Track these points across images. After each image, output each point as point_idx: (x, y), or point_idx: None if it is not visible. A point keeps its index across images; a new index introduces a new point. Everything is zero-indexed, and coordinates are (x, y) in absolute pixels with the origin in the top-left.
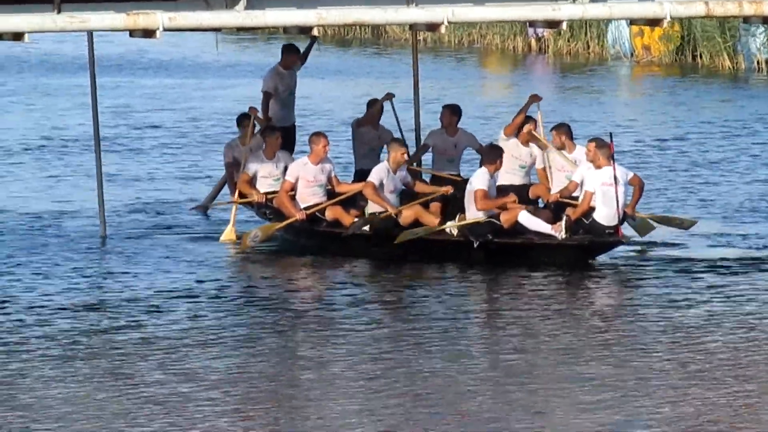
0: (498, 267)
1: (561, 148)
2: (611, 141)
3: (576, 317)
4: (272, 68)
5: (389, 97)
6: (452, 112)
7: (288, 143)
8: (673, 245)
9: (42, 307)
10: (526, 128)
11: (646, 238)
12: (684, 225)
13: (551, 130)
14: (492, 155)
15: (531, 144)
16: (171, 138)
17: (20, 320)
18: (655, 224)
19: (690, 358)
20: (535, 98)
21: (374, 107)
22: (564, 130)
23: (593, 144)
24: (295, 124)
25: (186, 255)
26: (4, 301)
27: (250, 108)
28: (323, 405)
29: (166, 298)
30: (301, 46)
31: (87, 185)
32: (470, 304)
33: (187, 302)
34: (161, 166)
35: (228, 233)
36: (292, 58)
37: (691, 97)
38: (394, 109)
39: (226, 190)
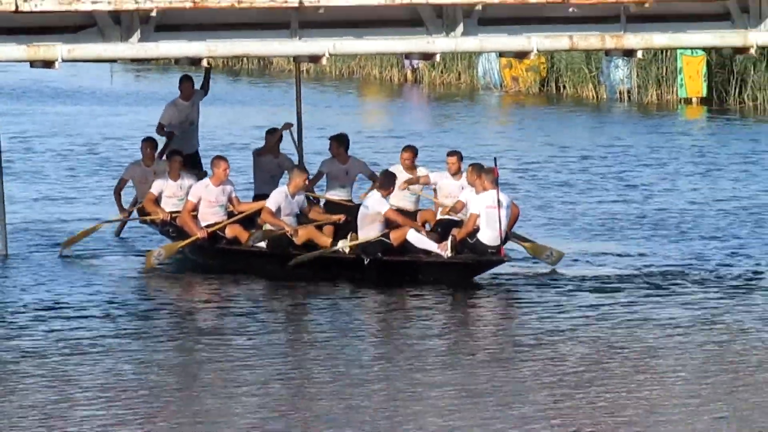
0: (388, 284)
1: (454, 173)
2: (495, 165)
3: (448, 330)
4: (171, 101)
5: (288, 126)
6: (338, 143)
7: (194, 168)
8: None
9: None
10: (406, 157)
11: (520, 256)
12: (553, 258)
13: (448, 155)
14: (387, 182)
15: (417, 171)
16: (68, 162)
17: None
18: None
19: (545, 369)
20: (287, 125)
21: (273, 136)
22: (457, 157)
23: (473, 169)
24: (198, 150)
25: (85, 271)
26: None
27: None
28: (205, 409)
29: (56, 309)
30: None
31: None
32: (352, 319)
33: (78, 313)
34: (59, 187)
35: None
36: (189, 89)
37: (554, 125)
38: (293, 138)
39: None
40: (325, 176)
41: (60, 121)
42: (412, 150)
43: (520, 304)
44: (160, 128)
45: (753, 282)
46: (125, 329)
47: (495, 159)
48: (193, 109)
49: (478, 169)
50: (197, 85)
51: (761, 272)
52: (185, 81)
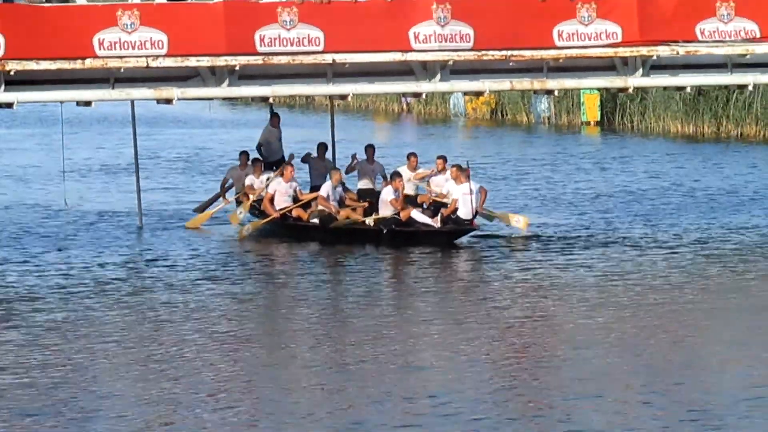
0: (398, 246)
1: (441, 170)
2: (468, 167)
3: (438, 276)
4: (265, 127)
5: (291, 157)
6: (372, 149)
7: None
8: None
9: None
10: (411, 162)
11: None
12: (520, 224)
13: (437, 158)
14: (394, 177)
15: (418, 170)
16: (184, 165)
17: None
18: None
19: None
20: (291, 157)
21: (321, 148)
22: (443, 159)
23: (456, 168)
24: (283, 156)
25: (198, 239)
26: None
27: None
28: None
29: (179, 266)
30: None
31: None
32: (373, 270)
33: (195, 269)
34: (178, 182)
35: (193, 221)
36: (277, 120)
37: (500, 140)
38: (333, 150)
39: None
40: (357, 172)
41: (176, 138)
42: (415, 156)
43: (485, 259)
44: (259, 147)
45: (622, 239)
46: (230, 273)
47: (467, 162)
48: (278, 131)
49: (457, 168)
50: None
51: (634, 235)
52: (274, 116)
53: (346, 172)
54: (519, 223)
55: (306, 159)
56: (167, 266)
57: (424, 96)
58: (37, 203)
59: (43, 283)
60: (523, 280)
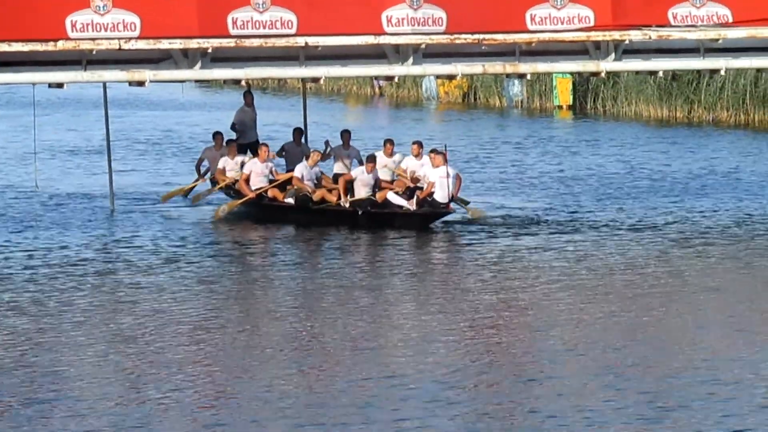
0: (373, 228)
1: (416, 155)
2: (446, 150)
3: (413, 259)
4: (239, 107)
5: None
6: (348, 134)
7: (253, 152)
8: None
9: None
10: (387, 148)
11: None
12: (475, 216)
13: (412, 143)
14: (369, 161)
15: (394, 156)
16: (157, 147)
17: None
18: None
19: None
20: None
21: (297, 133)
22: (418, 144)
23: (433, 152)
24: (258, 139)
25: (173, 220)
26: None
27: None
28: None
29: (156, 249)
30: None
31: None
32: (348, 253)
33: (172, 251)
34: (150, 164)
35: (169, 194)
36: (250, 99)
37: (473, 124)
38: (305, 134)
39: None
40: (333, 157)
41: (149, 121)
42: (392, 143)
43: (459, 243)
44: (233, 126)
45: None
46: (202, 254)
47: (445, 146)
48: (253, 112)
49: (434, 151)
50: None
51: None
52: (248, 94)
53: (321, 159)
54: (473, 212)
55: (281, 150)
56: (139, 248)
57: (396, 79)
58: (9, 185)
59: (11, 264)
60: (494, 263)
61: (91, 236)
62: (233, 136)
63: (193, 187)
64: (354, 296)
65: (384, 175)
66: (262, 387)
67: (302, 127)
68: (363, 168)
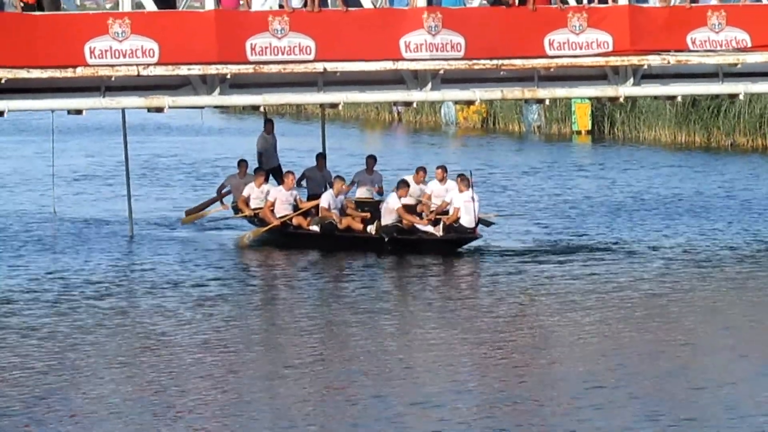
0: (400, 254)
1: (440, 180)
2: (471, 176)
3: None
4: (260, 134)
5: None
6: (373, 160)
7: (276, 178)
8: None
9: None
10: (419, 175)
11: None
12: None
13: (436, 168)
14: (401, 187)
15: (420, 183)
16: (176, 172)
17: None
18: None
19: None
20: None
21: (320, 159)
22: (443, 169)
23: (459, 178)
24: (279, 165)
25: (195, 247)
26: None
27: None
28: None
29: (175, 276)
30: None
31: None
32: (375, 278)
33: (193, 279)
34: (170, 190)
35: (189, 217)
36: (271, 127)
37: (492, 149)
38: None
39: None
40: (357, 183)
41: (167, 147)
42: (424, 171)
43: (486, 268)
44: (259, 156)
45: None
46: (224, 280)
47: (470, 171)
48: (273, 139)
49: (460, 177)
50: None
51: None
52: (268, 122)
53: (347, 188)
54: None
55: (302, 177)
56: (160, 273)
57: (415, 105)
58: (27, 210)
59: (29, 288)
60: (520, 289)
61: (110, 261)
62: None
63: (214, 212)
64: (383, 322)
65: (408, 199)
66: (284, 407)
67: (324, 153)
68: (394, 195)
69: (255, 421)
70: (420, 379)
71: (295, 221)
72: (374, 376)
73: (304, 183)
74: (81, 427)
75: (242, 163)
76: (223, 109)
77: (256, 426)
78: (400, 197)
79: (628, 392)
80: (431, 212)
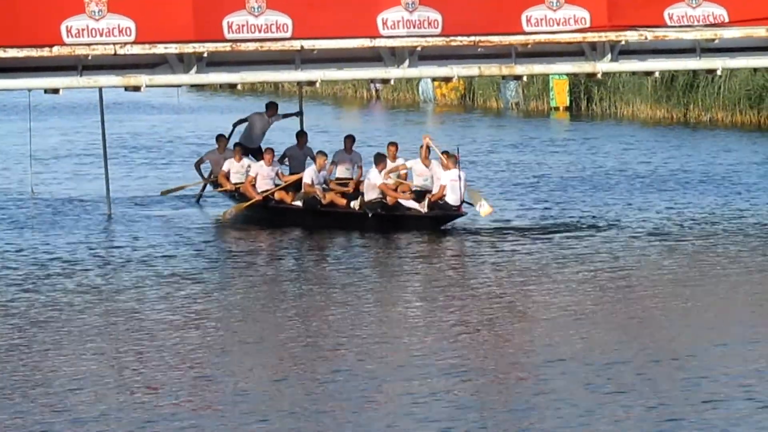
0: (383, 231)
1: (424, 158)
2: (458, 153)
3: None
4: (261, 112)
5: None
6: (351, 139)
7: (255, 158)
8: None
9: None
10: (391, 150)
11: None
12: (483, 210)
13: (420, 146)
14: (379, 160)
15: (397, 160)
16: (153, 150)
17: None
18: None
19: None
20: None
21: (301, 138)
22: (394, 146)
23: (445, 155)
24: (261, 146)
25: (176, 224)
26: None
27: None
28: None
29: (155, 251)
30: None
31: None
32: (357, 254)
33: (174, 254)
34: (147, 168)
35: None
36: (274, 110)
37: (470, 126)
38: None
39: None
40: (335, 161)
41: (145, 125)
42: (395, 145)
43: (469, 246)
44: (236, 122)
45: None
46: (206, 257)
47: (457, 148)
48: (268, 123)
49: (446, 154)
50: (280, 111)
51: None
52: (273, 105)
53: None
54: (483, 208)
55: (283, 156)
56: (138, 252)
57: (392, 82)
58: (4, 189)
59: (5, 268)
60: (503, 266)
61: (88, 240)
62: (235, 137)
63: (192, 185)
64: (364, 298)
65: (389, 181)
66: (267, 388)
67: (305, 131)
68: (375, 170)
69: (226, 396)
70: (398, 354)
71: (277, 196)
72: (353, 352)
73: (286, 161)
74: (51, 404)
75: (221, 138)
76: (199, 87)
77: (229, 401)
78: (380, 171)
79: (607, 366)
80: (411, 192)
